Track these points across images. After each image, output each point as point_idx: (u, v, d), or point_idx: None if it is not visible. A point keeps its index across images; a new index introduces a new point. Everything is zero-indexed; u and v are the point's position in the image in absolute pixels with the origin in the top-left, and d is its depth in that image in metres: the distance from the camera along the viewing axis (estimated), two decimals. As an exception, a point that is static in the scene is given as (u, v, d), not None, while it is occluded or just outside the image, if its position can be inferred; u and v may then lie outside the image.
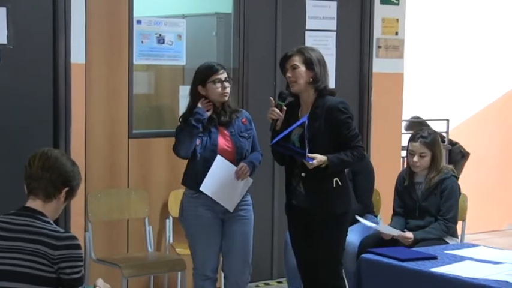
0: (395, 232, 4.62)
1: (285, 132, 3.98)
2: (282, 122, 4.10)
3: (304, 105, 4.17)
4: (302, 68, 4.09)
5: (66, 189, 2.88)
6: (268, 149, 4.19)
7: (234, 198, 4.30)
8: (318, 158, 3.98)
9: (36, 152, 2.90)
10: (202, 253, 4.32)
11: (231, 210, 4.28)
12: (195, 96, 4.30)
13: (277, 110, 4.08)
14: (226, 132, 4.30)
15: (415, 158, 4.77)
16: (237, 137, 4.31)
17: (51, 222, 2.84)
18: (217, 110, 4.30)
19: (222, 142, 4.28)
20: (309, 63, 4.09)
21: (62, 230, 2.81)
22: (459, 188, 4.82)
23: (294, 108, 4.17)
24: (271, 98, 4.15)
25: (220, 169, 4.24)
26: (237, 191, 4.30)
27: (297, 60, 4.09)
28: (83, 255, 4.81)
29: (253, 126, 4.40)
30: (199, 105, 4.23)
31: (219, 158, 4.24)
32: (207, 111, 4.26)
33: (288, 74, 4.10)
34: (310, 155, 3.96)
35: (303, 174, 4.09)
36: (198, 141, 4.26)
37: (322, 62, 4.14)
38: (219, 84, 4.26)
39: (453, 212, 4.72)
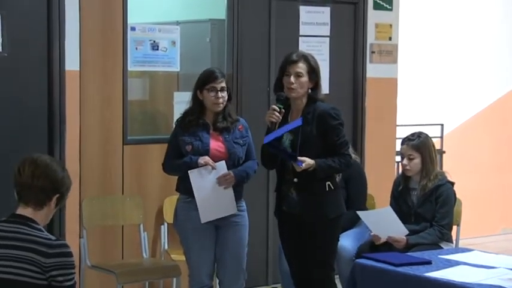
0: (394, 230, 4.59)
1: (279, 133, 3.98)
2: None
3: (294, 109, 4.17)
4: (305, 78, 4.09)
5: (57, 195, 2.86)
6: (261, 154, 4.20)
7: (211, 212, 4.25)
8: (307, 162, 3.99)
9: (25, 159, 2.87)
10: (197, 258, 4.31)
11: (202, 222, 4.24)
12: (194, 100, 4.32)
13: (277, 113, 4.08)
14: (220, 138, 4.31)
15: (405, 161, 4.81)
16: (231, 143, 4.30)
17: (43, 229, 2.83)
18: (214, 118, 4.30)
19: (214, 146, 4.28)
20: (311, 73, 4.10)
21: (53, 238, 2.79)
22: (455, 195, 4.83)
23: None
24: (273, 106, 4.11)
25: (217, 173, 4.22)
26: (218, 206, 4.25)
27: (302, 68, 4.08)
28: (77, 262, 4.86)
29: (249, 134, 4.39)
30: (201, 160, 4.20)
31: (223, 163, 4.23)
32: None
33: (291, 80, 4.07)
34: (300, 158, 3.97)
35: (295, 179, 4.09)
36: (189, 147, 4.27)
37: (319, 72, 4.15)
38: (213, 93, 4.25)
39: (448, 219, 4.73)
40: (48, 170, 2.84)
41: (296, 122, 4.02)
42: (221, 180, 4.23)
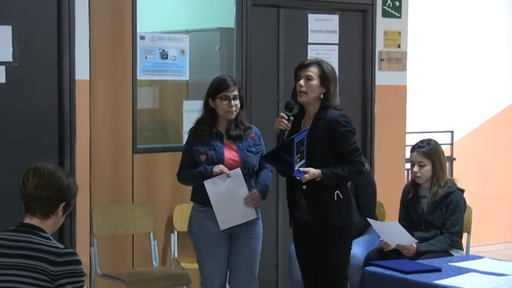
0: (402, 238, 4.58)
1: (275, 148, 3.97)
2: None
3: (307, 116, 4.18)
4: (316, 82, 4.08)
5: (63, 203, 2.86)
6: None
7: (230, 219, 4.26)
8: (311, 172, 3.97)
9: (29, 169, 2.86)
10: (210, 266, 4.32)
11: (221, 228, 4.25)
12: (206, 108, 4.34)
13: (285, 121, 4.08)
14: (234, 146, 4.32)
15: (415, 168, 4.81)
16: (245, 152, 4.31)
17: (51, 238, 2.84)
18: (227, 126, 4.32)
19: (228, 155, 4.29)
20: (324, 78, 4.08)
21: (61, 246, 2.79)
22: (465, 202, 4.82)
23: (296, 118, 4.17)
24: (282, 113, 4.13)
25: (233, 181, 4.23)
26: (236, 213, 4.26)
27: (313, 72, 4.08)
28: (88, 270, 4.87)
29: (262, 141, 4.40)
30: (216, 169, 4.21)
31: (238, 170, 4.24)
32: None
33: (301, 83, 4.08)
34: (302, 169, 3.95)
35: (304, 187, 4.08)
36: (203, 157, 4.28)
37: (335, 80, 4.14)
38: (226, 102, 4.27)
39: (458, 226, 4.73)
40: (52, 179, 2.83)
41: (301, 134, 4.00)
42: (248, 201, 4.24)
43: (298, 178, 3.95)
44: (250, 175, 4.32)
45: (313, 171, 3.97)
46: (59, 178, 2.85)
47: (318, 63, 4.11)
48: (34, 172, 2.85)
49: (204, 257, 4.33)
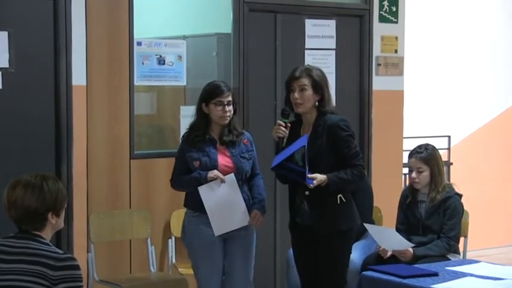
0: (400, 245, 4.59)
1: (283, 157, 3.98)
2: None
3: (306, 123, 4.19)
4: (310, 91, 4.10)
5: (50, 213, 2.85)
6: (269, 167, 4.20)
7: (225, 225, 4.27)
8: (318, 178, 3.99)
9: (4, 191, 2.84)
10: (205, 271, 4.33)
11: (216, 235, 4.26)
12: (199, 113, 4.34)
13: (283, 128, 4.10)
14: (227, 152, 4.32)
15: (413, 174, 4.81)
16: (238, 158, 4.32)
17: (50, 244, 2.86)
18: (220, 131, 4.32)
19: (222, 161, 4.30)
20: (317, 87, 4.11)
21: (61, 251, 2.82)
22: (462, 207, 4.83)
23: (295, 126, 4.18)
24: (279, 121, 4.15)
25: (227, 187, 4.24)
26: (231, 219, 4.27)
27: (305, 82, 4.09)
28: (85, 276, 4.87)
29: (254, 147, 4.42)
30: (210, 174, 4.23)
31: (232, 176, 4.25)
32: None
33: (296, 95, 4.10)
34: (310, 175, 3.97)
35: (306, 192, 4.10)
36: (197, 163, 4.28)
37: (327, 84, 4.17)
38: (220, 107, 4.27)
39: (456, 231, 4.73)
40: (27, 195, 2.81)
41: (300, 142, 4.01)
42: (254, 223, 4.29)
43: (311, 185, 3.97)
44: (244, 181, 4.34)
45: (320, 177, 3.99)
46: (37, 191, 2.82)
47: (307, 72, 4.13)
48: (7, 196, 2.83)
49: (199, 263, 4.33)
